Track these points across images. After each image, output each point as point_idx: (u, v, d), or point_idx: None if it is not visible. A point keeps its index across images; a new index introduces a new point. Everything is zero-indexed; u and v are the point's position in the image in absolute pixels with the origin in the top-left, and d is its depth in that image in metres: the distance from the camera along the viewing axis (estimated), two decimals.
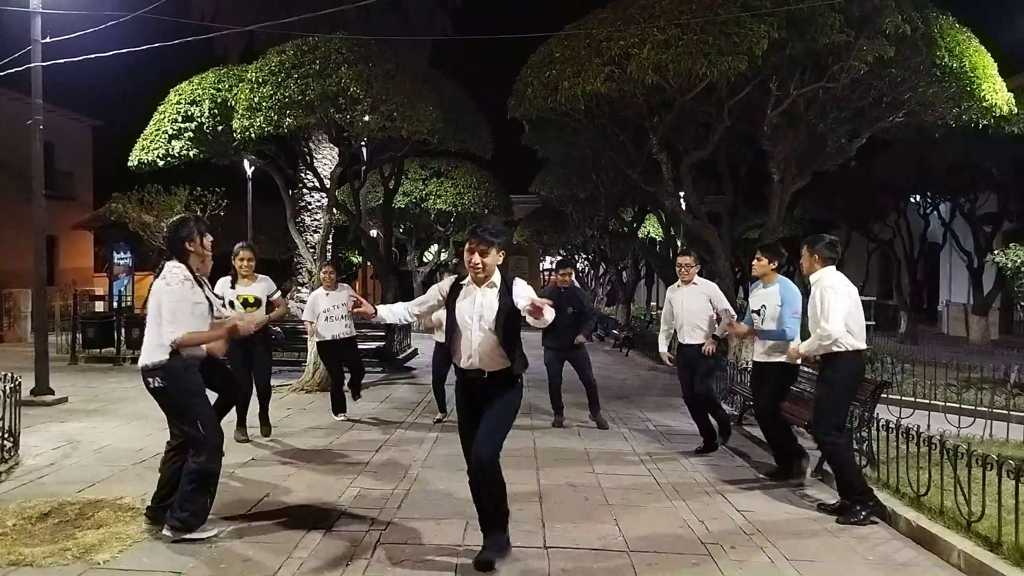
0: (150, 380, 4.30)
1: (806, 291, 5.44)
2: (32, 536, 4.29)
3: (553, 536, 4.55)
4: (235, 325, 4.56)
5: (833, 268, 5.18)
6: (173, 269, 4.37)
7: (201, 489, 4.34)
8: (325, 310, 7.97)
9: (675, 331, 7.02)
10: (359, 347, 9.13)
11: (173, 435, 4.56)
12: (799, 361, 5.81)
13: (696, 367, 6.79)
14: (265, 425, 7.22)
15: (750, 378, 6.49)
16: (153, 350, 4.29)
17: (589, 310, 8.10)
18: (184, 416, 4.37)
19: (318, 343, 8.27)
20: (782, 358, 5.76)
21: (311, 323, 8.04)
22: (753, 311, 6.03)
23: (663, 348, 7.23)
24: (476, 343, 4.02)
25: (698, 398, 6.87)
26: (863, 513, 4.87)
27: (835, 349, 4.96)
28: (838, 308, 4.91)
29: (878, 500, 4.96)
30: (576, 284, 8.09)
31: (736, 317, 6.87)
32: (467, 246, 4.13)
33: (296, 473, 5.92)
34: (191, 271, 4.44)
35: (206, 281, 4.65)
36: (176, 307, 4.25)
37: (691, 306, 6.75)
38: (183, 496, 4.31)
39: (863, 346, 5.09)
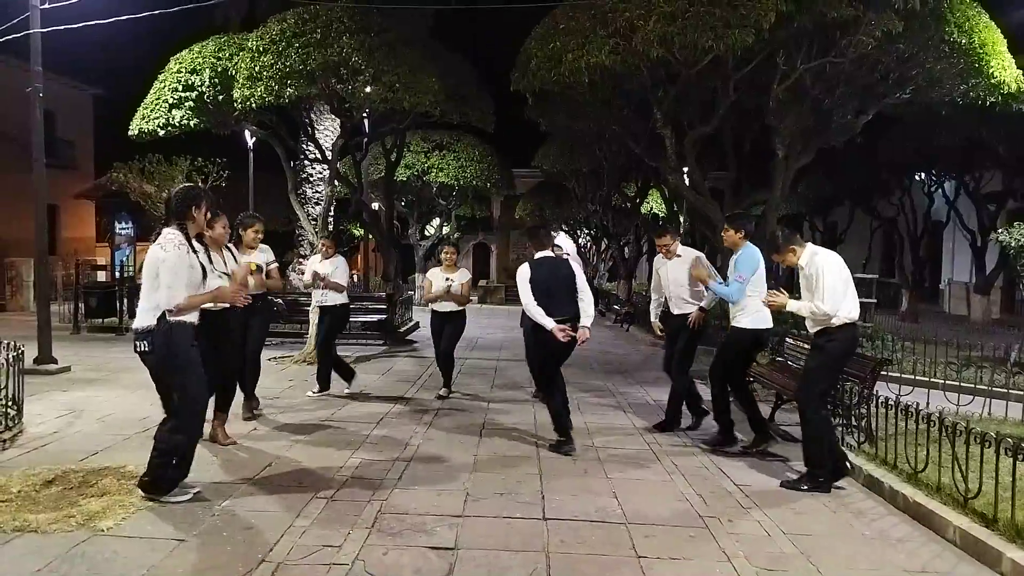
0: (138, 343, 4.38)
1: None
2: (36, 503, 4.34)
3: (552, 508, 4.59)
4: (221, 289, 4.60)
5: (811, 245, 5.27)
6: (168, 235, 4.41)
7: (163, 459, 4.39)
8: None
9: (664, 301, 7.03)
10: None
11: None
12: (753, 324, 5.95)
13: (678, 338, 6.83)
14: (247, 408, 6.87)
15: (720, 343, 6.58)
16: (143, 314, 4.37)
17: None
18: (163, 381, 4.43)
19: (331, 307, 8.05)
20: (734, 322, 6.04)
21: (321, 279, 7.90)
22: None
23: (653, 318, 7.19)
24: None
25: (673, 375, 6.92)
26: (806, 486, 5.06)
27: (834, 323, 5.03)
28: (833, 287, 4.98)
29: (829, 477, 5.09)
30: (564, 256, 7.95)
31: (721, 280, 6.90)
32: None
33: (298, 444, 5.96)
34: (188, 237, 4.47)
35: (201, 248, 4.67)
36: (175, 272, 4.30)
37: (676, 277, 6.76)
38: (150, 462, 4.42)
39: (856, 315, 5.14)
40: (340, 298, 8.03)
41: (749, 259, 5.99)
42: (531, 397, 8.08)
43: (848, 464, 5.34)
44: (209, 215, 4.75)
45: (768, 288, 5.81)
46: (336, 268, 8.04)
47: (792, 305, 5.17)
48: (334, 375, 8.10)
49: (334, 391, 8.01)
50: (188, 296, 4.33)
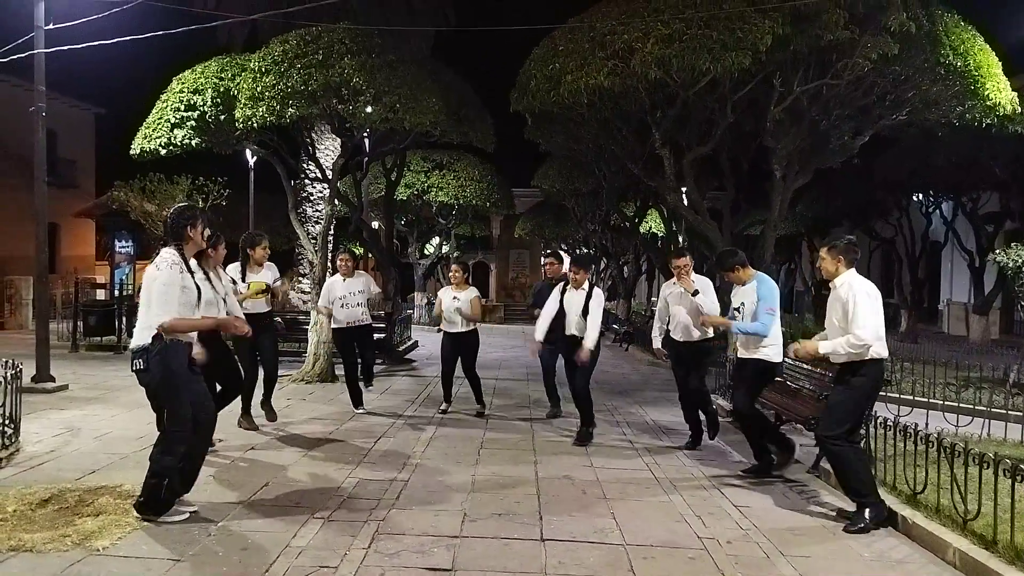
0: (134, 362, 4.37)
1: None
2: (32, 522, 4.31)
3: (550, 529, 4.57)
4: (227, 321, 4.60)
5: (855, 271, 5.02)
6: (164, 255, 4.43)
7: (156, 480, 4.38)
8: (341, 296, 7.99)
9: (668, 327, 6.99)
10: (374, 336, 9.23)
11: None
12: (777, 357, 5.88)
13: (689, 364, 6.83)
14: (270, 412, 7.28)
15: (732, 373, 6.47)
16: (139, 333, 4.37)
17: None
18: (157, 401, 4.42)
19: (334, 329, 8.22)
20: (758, 354, 5.84)
21: (326, 308, 8.09)
22: (734, 308, 6.08)
23: (657, 344, 7.19)
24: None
25: (691, 393, 6.90)
26: (865, 521, 4.69)
27: (866, 357, 4.76)
28: (873, 316, 4.74)
29: (884, 504, 4.81)
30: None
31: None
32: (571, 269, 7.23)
33: (296, 462, 5.94)
34: (184, 258, 4.49)
35: (204, 269, 4.74)
36: (165, 291, 4.31)
37: (688, 304, 6.70)
38: (145, 483, 4.42)
39: (886, 354, 4.90)
40: (368, 316, 8.25)
41: (773, 289, 5.89)
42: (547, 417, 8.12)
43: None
44: (207, 234, 4.77)
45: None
46: (370, 284, 8.23)
47: (825, 347, 4.87)
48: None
49: (344, 413, 8.06)
50: (176, 317, 4.30)
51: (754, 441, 6.06)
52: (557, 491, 5.39)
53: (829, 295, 5.10)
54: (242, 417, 6.98)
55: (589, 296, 6.90)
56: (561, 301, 7.14)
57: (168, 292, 4.31)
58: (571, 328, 7.05)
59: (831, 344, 4.85)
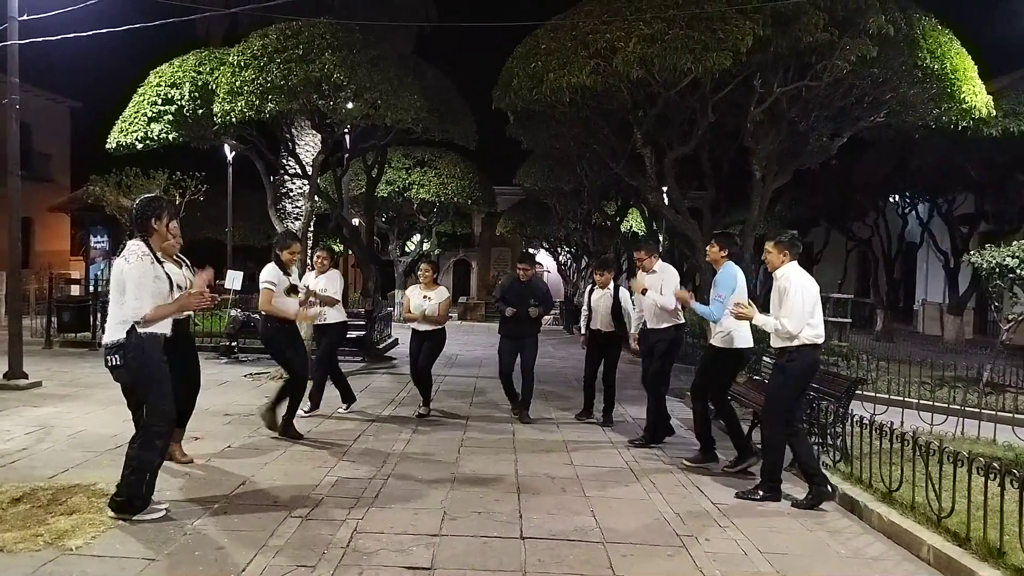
0: (109, 358, 4.33)
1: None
2: (3, 522, 4.23)
3: (530, 527, 4.57)
4: (183, 297, 4.57)
5: (797, 264, 5.34)
6: (132, 246, 4.41)
7: (136, 476, 4.34)
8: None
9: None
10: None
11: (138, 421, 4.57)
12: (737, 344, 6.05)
13: (653, 352, 6.97)
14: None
15: (700, 360, 6.65)
16: (113, 328, 4.34)
17: (551, 303, 8.38)
18: (135, 396, 4.39)
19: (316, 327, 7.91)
20: (715, 342, 6.08)
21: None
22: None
23: (633, 330, 7.56)
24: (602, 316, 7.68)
25: (650, 384, 7.00)
26: (760, 494, 5.27)
27: (795, 343, 5.12)
28: (801, 307, 5.07)
29: (779, 489, 5.30)
30: (539, 276, 8.53)
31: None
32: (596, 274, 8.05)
33: (274, 461, 5.89)
34: (151, 249, 4.47)
35: (179, 258, 4.87)
36: (139, 283, 4.29)
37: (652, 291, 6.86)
38: (122, 480, 4.36)
39: (820, 340, 5.25)
40: (339, 315, 7.83)
41: (728, 278, 6.01)
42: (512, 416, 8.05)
43: (830, 487, 5.28)
44: (174, 226, 4.77)
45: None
46: (332, 282, 7.75)
47: (759, 319, 5.26)
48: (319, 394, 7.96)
49: (324, 411, 7.86)
50: (155, 306, 4.30)
51: (734, 435, 6.20)
52: (537, 489, 5.39)
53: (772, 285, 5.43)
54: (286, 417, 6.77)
55: (616, 295, 7.67)
56: (589, 301, 7.88)
57: (141, 284, 4.28)
58: (598, 324, 7.82)
59: (764, 318, 5.26)
